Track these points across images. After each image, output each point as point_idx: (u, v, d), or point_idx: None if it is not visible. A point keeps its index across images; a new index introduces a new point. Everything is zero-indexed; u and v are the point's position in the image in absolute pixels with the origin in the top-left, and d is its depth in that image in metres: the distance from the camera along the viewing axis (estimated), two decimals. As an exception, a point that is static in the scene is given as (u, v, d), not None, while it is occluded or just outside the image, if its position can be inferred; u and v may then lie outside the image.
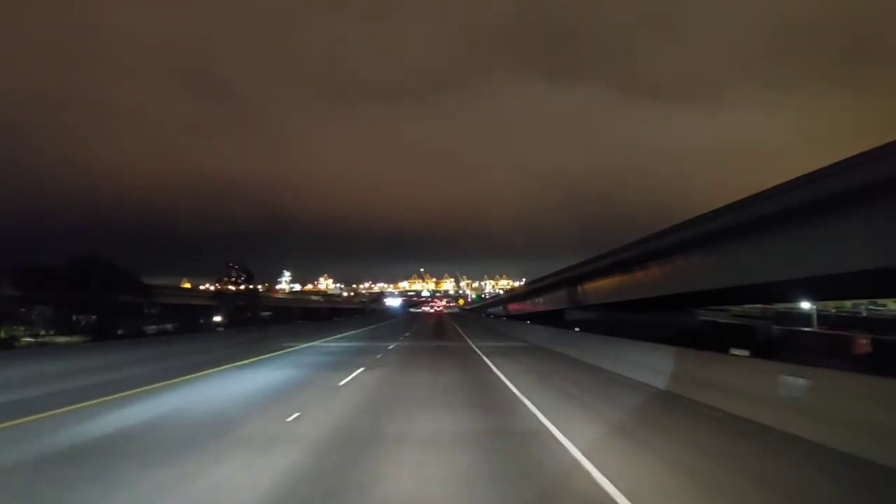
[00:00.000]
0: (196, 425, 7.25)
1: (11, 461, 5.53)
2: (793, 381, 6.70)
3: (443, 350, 20.50)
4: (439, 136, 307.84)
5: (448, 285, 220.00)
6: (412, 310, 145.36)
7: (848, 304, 52.84)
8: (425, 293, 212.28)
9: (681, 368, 9.99)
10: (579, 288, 33.37)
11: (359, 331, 37.57)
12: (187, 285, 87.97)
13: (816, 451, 5.79)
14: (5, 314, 36.56)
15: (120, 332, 38.37)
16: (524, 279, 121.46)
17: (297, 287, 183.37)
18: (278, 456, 5.63)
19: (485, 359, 16.70)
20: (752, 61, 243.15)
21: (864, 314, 53.89)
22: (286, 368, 13.91)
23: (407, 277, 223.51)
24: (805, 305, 41.49)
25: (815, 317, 43.67)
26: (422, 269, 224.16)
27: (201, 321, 60.41)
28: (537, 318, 44.76)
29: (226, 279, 64.19)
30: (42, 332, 41.58)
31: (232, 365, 14.42)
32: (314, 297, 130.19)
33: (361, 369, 13.66)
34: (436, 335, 32.68)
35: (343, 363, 15.31)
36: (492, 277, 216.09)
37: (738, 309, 48.35)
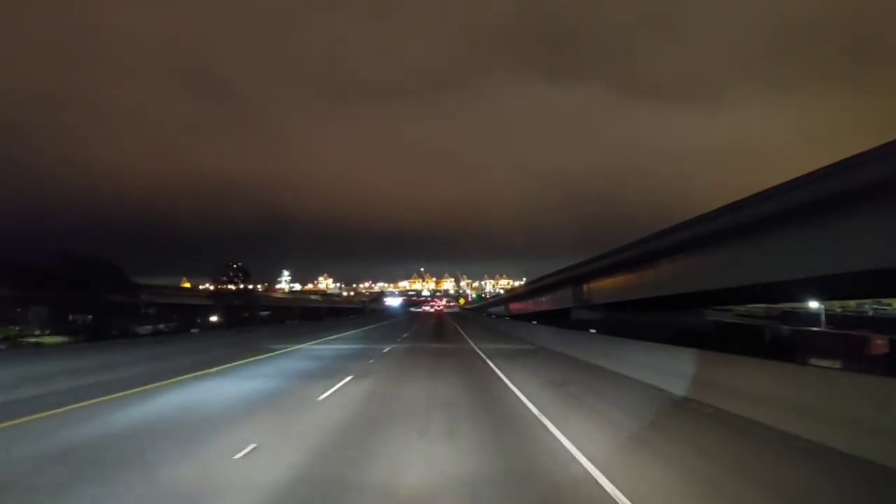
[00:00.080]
0: (92, 469, 5.17)
1: None
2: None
3: (443, 353, 18.43)
4: (439, 136, 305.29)
5: (448, 285, 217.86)
6: (412, 309, 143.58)
7: (852, 303, 52.01)
8: (425, 293, 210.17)
9: (743, 382, 8.00)
10: (584, 287, 32.19)
11: (355, 331, 35.54)
12: (187, 285, 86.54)
13: None
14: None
15: (115, 332, 36.81)
16: (524, 279, 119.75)
17: (297, 287, 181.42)
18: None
19: (489, 363, 14.71)
20: (752, 61, 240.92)
21: (871, 314, 53.07)
22: (260, 378, 11.86)
23: (407, 277, 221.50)
24: (813, 305, 40.24)
25: (823, 316, 42.18)
26: (422, 269, 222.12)
27: (198, 321, 58.95)
28: (540, 317, 43.17)
29: (225, 279, 62.40)
30: (37, 332, 40.13)
31: (196, 374, 12.39)
32: (313, 297, 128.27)
33: (349, 378, 11.66)
34: (435, 336, 30.66)
35: (329, 370, 13.29)
36: (492, 277, 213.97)
37: (741, 309, 47.11)
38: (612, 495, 4.42)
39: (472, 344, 22.94)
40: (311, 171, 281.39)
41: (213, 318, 59.82)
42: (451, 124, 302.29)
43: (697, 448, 5.97)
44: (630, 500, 4.29)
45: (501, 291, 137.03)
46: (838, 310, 48.15)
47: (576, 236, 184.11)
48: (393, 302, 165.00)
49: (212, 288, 62.89)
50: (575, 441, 6.15)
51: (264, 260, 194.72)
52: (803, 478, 5.01)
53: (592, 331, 22.37)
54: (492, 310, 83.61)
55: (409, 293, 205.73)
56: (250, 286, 66.36)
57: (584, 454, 5.61)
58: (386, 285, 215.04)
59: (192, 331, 40.39)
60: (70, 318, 40.19)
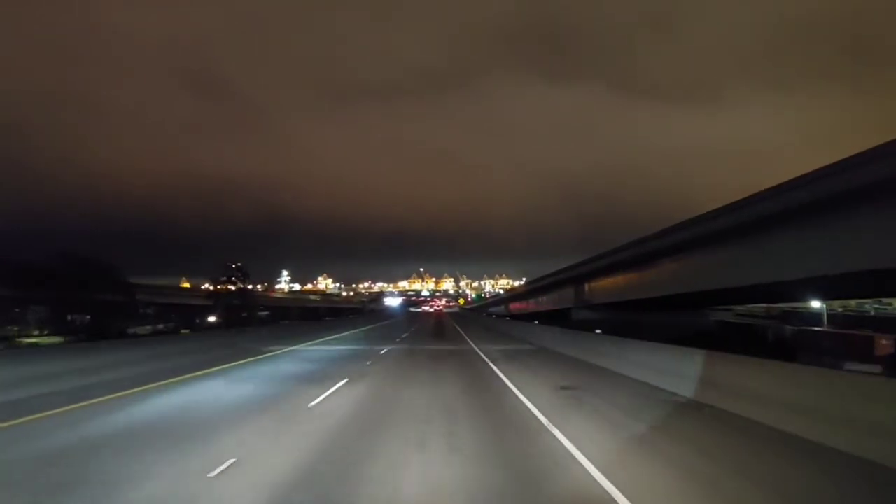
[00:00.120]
0: (34, 494, 4.50)
1: None
2: None
3: (443, 355, 17.74)
4: (439, 136, 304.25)
5: (448, 285, 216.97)
6: (412, 309, 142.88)
7: (852, 302, 51.64)
8: (425, 293, 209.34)
9: (761, 386, 7.39)
10: (585, 286, 31.57)
11: (352, 332, 34.89)
12: (186, 285, 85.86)
13: None
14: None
15: (107, 333, 36.17)
16: (524, 279, 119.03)
17: (297, 287, 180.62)
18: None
19: (491, 366, 14.07)
20: (752, 61, 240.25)
21: (873, 313, 52.67)
22: (250, 382, 11.18)
23: (407, 277, 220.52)
24: (816, 304, 39.70)
25: (825, 316, 41.72)
26: (422, 269, 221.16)
27: (197, 321, 58.35)
28: (540, 317, 42.60)
29: (224, 279, 61.71)
30: (36, 333, 39.50)
31: (182, 378, 11.73)
32: (312, 297, 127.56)
33: (343, 382, 11.01)
34: (435, 337, 30.02)
35: (323, 373, 12.64)
36: (492, 277, 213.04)
37: (741, 308, 46.63)
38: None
39: (473, 345, 22.29)
40: (311, 171, 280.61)
41: (212, 319, 59.20)
42: (451, 124, 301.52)
43: (735, 467, 5.35)
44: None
45: (501, 291, 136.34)
46: (839, 309, 47.73)
47: (576, 236, 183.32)
48: (392, 302, 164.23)
49: (211, 288, 62.23)
50: (595, 461, 5.54)
51: (264, 260, 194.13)
52: None
53: (598, 331, 21.66)
54: (492, 310, 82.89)
55: (409, 293, 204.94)
56: (249, 286, 65.70)
57: (607, 478, 4.99)
58: (385, 285, 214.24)
59: (183, 332, 39.53)
60: (69, 318, 39.75)
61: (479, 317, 73.07)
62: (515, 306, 57.85)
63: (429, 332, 36.54)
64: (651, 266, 20.81)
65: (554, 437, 6.37)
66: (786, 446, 5.93)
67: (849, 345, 24.84)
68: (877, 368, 15.62)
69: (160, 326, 52.36)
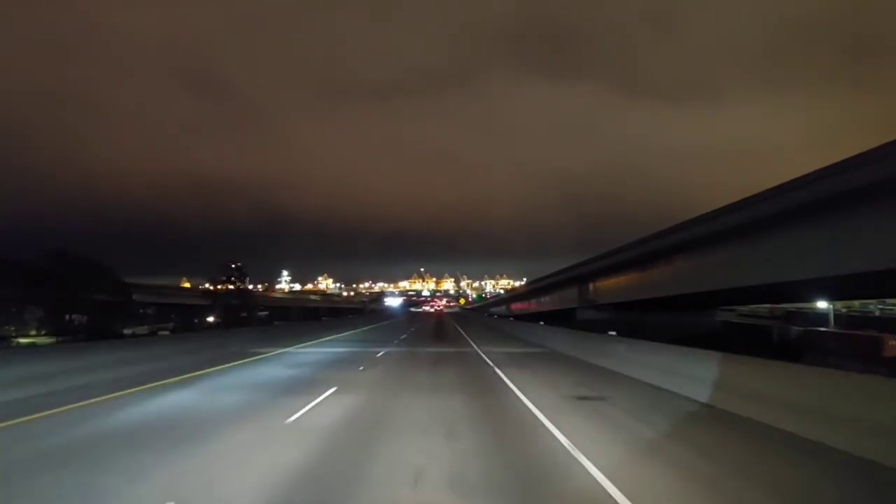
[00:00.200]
0: None
1: None
2: None
3: (443, 359, 16.27)
4: (439, 136, 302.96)
5: (448, 285, 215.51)
6: (412, 309, 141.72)
7: (856, 303, 51.09)
8: (425, 293, 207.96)
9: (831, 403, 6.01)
10: (590, 286, 30.92)
11: (350, 333, 33.44)
12: (187, 285, 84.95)
13: None
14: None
15: (90, 334, 35.01)
16: (524, 279, 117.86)
17: (298, 287, 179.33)
18: None
19: (497, 371, 12.64)
20: (753, 61, 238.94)
21: (877, 314, 52.19)
22: (225, 392, 9.76)
23: (407, 277, 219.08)
24: (822, 305, 38.79)
25: (831, 316, 40.83)
26: (422, 269, 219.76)
27: (196, 321, 57.32)
28: (544, 318, 41.56)
29: (223, 278, 60.49)
30: (33, 332, 38.38)
31: (152, 385, 10.35)
32: (312, 297, 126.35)
33: (331, 391, 9.62)
34: (436, 338, 28.59)
35: (310, 380, 11.21)
36: (492, 277, 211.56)
37: (745, 309, 45.72)
38: None
39: (476, 347, 20.84)
40: (311, 171, 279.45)
41: (211, 319, 58.03)
42: (451, 124, 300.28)
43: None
44: None
45: (502, 292, 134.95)
46: (843, 310, 46.93)
47: (576, 236, 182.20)
48: (393, 302, 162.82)
49: (210, 288, 61.01)
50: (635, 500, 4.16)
51: (264, 260, 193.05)
52: None
53: (612, 333, 20.20)
54: (493, 310, 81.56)
55: (409, 293, 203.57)
56: (249, 286, 64.53)
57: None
58: (386, 285, 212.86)
59: (162, 333, 38.04)
60: (68, 318, 38.65)
61: (481, 317, 71.60)
62: (517, 306, 56.74)
63: (429, 332, 35.11)
64: (657, 266, 20.42)
65: (586, 470, 4.99)
66: None
67: (857, 345, 23.79)
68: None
69: (156, 327, 51.32)
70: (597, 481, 4.62)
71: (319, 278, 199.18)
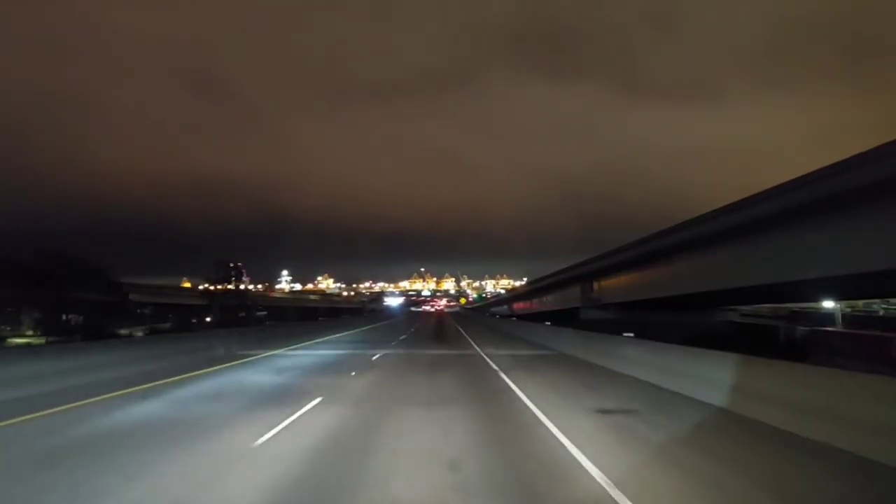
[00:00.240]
0: None
1: None
2: None
3: (444, 362, 15.04)
4: (439, 136, 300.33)
5: (449, 285, 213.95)
6: (412, 309, 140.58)
7: (860, 303, 50.25)
8: (426, 293, 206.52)
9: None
10: (594, 285, 29.89)
11: (347, 333, 32.18)
12: (187, 285, 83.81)
13: None
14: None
15: (82, 334, 33.91)
16: (525, 279, 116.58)
17: (298, 287, 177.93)
18: None
19: (504, 378, 11.37)
20: (753, 61, 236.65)
21: (882, 313, 51.37)
22: (193, 403, 8.57)
23: (407, 277, 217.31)
24: (828, 304, 37.85)
25: (838, 316, 39.79)
26: (422, 269, 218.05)
27: (194, 321, 56.36)
28: (549, 317, 40.60)
29: (219, 278, 59.40)
30: (30, 333, 37.40)
31: (115, 394, 9.16)
32: (312, 297, 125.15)
33: (315, 402, 8.39)
34: (436, 339, 27.33)
35: (294, 389, 9.98)
36: (492, 277, 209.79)
37: (747, 308, 44.75)
38: None
39: (478, 349, 19.59)
40: (311, 171, 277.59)
41: (209, 319, 56.93)
42: (451, 124, 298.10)
43: None
44: None
45: (502, 291, 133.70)
46: (847, 310, 45.98)
47: (576, 236, 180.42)
48: (393, 302, 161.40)
49: (210, 288, 59.91)
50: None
51: (264, 260, 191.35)
52: None
53: (628, 334, 18.76)
54: (494, 309, 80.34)
55: (410, 293, 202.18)
56: (249, 286, 63.50)
57: None
58: (386, 285, 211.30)
59: (136, 334, 36.68)
60: (65, 318, 37.65)
61: (482, 317, 70.31)
62: (519, 306, 55.71)
63: (429, 333, 33.84)
64: (657, 266, 20.10)
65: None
66: None
67: (866, 346, 22.90)
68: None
69: (149, 327, 50.26)
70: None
71: (319, 278, 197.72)
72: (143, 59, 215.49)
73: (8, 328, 38.70)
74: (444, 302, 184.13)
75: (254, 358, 15.63)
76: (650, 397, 8.87)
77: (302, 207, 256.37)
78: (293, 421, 7.08)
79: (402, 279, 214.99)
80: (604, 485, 4.51)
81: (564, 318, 34.27)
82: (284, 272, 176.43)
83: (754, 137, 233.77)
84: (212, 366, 13.30)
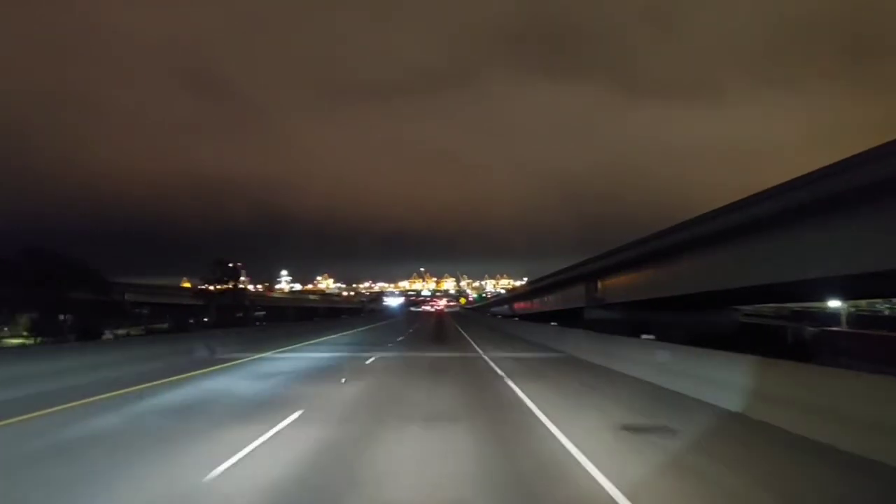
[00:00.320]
0: None
1: None
2: None
3: (444, 366, 13.74)
4: (439, 136, 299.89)
5: (448, 285, 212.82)
6: (412, 309, 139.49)
7: (863, 302, 49.65)
8: (426, 292, 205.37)
9: None
10: (598, 284, 29.61)
11: (343, 334, 30.85)
12: (187, 284, 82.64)
13: None
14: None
15: (76, 335, 32.80)
16: (525, 279, 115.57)
17: (298, 287, 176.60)
18: None
19: (511, 385, 10.02)
20: (753, 61, 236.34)
21: (886, 313, 50.87)
22: (153, 417, 7.30)
23: (407, 277, 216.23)
24: (834, 304, 36.94)
25: (844, 316, 38.90)
26: (422, 269, 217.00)
27: (191, 321, 55.46)
28: (552, 317, 39.77)
29: (215, 278, 58.14)
30: (25, 333, 36.44)
31: (60, 408, 7.89)
32: (311, 297, 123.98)
33: (294, 416, 7.09)
34: (435, 340, 26.01)
35: (274, 398, 8.69)
36: (492, 277, 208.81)
37: (749, 308, 44.05)
38: None
39: (480, 351, 18.25)
40: (311, 171, 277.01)
41: (207, 319, 55.80)
42: (451, 124, 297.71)
43: None
44: None
45: (502, 291, 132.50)
46: (852, 309, 45.19)
47: (576, 236, 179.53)
48: (393, 302, 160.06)
49: (208, 288, 58.72)
50: None
51: (264, 260, 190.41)
52: None
53: (648, 336, 17.07)
54: (494, 309, 79.16)
55: (410, 293, 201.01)
56: (248, 286, 62.36)
57: None
58: (386, 285, 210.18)
59: (105, 337, 35.39)
60: (62, 318, 36.67)
61: (482, 317, 68.97)
62: (520, 306, 54.88)
63: (428, 334, 32.51)
64: (659, 266, 19.88)
65: None
66: None
67: (875, 346, 21.92)
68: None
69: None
70: None
71: (319, 278, 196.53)
72: (143, 59, 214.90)
73: (5, 328, 37.91)
74: (443, 302, 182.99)
75: (239, 362, 14.29)
76: (680, 411, 7.52)
77: (302, 207, 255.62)
78: (263, 442, 5.78)
79: (402, 279, 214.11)
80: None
81: (568, 319, 33.44)
82: (284, 272, 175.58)
83: (754, 137, 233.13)
84: (191, 371, 11.97)
